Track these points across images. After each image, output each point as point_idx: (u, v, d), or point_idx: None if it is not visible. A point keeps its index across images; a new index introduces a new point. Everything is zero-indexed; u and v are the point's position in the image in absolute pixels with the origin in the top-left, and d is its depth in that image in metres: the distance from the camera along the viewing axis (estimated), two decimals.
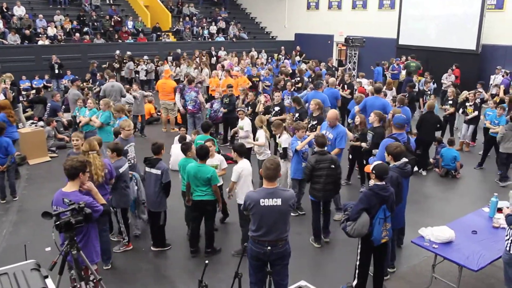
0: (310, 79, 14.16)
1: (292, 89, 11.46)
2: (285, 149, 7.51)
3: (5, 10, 19.09)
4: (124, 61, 18.57)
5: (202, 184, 5.91)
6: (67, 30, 19.85)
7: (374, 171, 4.86)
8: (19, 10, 19.39)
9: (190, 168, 5.98)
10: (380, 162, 5.02)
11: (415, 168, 8.96)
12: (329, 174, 6.30)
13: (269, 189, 4.31)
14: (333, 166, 6.33)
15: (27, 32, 18.33)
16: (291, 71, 15.76)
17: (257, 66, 17.90)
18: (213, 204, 6.07)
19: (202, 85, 15.85)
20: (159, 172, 6.08)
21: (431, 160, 9.97)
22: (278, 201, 4.25)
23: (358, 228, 4.77)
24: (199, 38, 23.36)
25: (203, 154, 5.95)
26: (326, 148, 6.60)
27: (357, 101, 9.80)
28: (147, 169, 6.20)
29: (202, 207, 6.02)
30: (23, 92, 14.83)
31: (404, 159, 5.47)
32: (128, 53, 19.01)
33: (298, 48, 23.12)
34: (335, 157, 6.58)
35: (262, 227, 4.32)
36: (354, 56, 20.81)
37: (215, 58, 21.18)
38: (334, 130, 7.39)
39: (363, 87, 13.38)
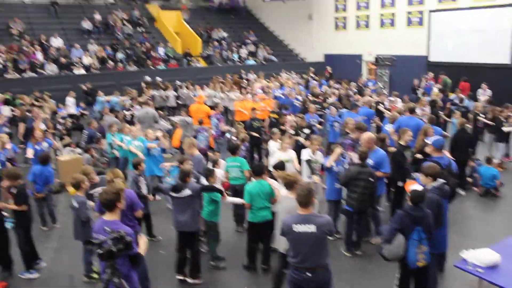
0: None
1: (315, 112, 11.37)
2: (308, 161, 7.59)
3: (44, 42, 19.89)
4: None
5: (265, 200, 6.09)
6: (101, 58, 20.51)
7: (410, 195, 4.83)
8: (57, 42, 20.18)
9: (252, 187, 6.15)
10: (420, 188, 4.91)
11: None
12: (366, 186, 6.54)
13: (302, 215, 4.32)
14: (371, 179, 6.54)
15: (63, 60, 18.97)
16: (321, 92, 15.66)
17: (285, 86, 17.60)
18: (272, 224, 6.19)
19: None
20: (190, 192, 5.88)
21: (468, 178, 9.68)
22: (312, 228, 4.23)
23: (394, 250, 4.71)
24: (229, 62, 23.70)
25: (260, 170, 6.27)
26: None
27: (391, 121, 9.58)
28: (175, 194, 5.94)
29: (264, 228, 6.19)
30: (61, 120, 15.27)
31: (441, 180, 5.37)
32: (158, 79, 19.33)
33: (328, 69, 22.97)
34: (373, 171, 6.71)
35: (299, 253, 4.32)
36: (385, 75, 20.64)
37: (245, 81, 21.32)
38: (372, 155, 6.98)
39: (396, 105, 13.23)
